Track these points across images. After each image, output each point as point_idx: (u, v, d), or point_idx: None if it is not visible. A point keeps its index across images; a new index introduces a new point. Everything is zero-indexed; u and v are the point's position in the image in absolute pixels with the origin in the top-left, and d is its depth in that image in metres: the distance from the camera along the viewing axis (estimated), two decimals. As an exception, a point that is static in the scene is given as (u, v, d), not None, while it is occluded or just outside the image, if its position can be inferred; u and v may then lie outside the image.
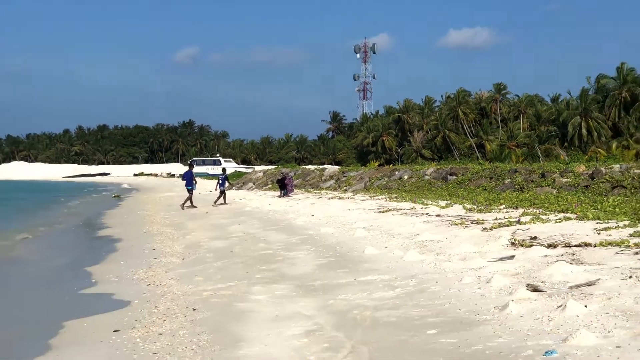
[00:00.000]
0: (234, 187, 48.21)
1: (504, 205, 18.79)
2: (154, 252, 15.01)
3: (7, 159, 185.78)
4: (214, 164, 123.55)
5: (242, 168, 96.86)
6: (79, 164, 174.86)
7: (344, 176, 42.07)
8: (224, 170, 34.05)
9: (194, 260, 13.51)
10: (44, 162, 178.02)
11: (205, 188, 58.61)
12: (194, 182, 30.41)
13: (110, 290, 10.87)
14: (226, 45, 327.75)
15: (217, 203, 30.38)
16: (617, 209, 15.36)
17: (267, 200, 31.17)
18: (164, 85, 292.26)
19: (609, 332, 6.23)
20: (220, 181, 31.28)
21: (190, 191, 29.82)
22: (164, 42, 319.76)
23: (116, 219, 26.80)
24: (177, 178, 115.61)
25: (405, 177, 35.24)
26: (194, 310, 8.82)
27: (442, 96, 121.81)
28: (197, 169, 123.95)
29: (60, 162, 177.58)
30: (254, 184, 51.02)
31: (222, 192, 30.96)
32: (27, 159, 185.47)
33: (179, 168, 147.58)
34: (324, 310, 8.27)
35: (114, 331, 8.03)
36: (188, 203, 29.50)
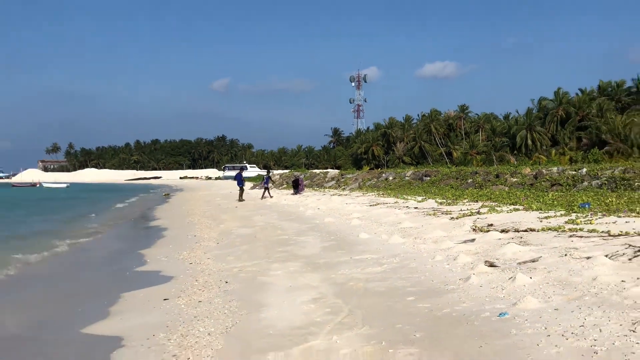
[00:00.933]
0: (256, 187, 48.27)
1: (467, 200, 18.76)
2: (195, 238, 15.01)
3: (81, 166, 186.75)
4: (241, 169, 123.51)
5: (263, 172, 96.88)
6: (137, 169, 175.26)
7: (342, 178, 42.07)
8: (268, 171, 35.79)
9: (226, 244, 13.50)
10: (110, 168, 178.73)
11: (235, 188, 58.78)
12: (243, 182, 32.33)
13: (160, 267, 10.88)
14: (251, 77, 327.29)
15: (263, 197, 31.04)
16: (555, 202, 15.31)
17: (283, 197, 31.15)
18: (204, 107, 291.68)
19: (549, 297, 6.21)
20: (265, 180, 32.76)
21: (241, 188, 31.51)
22: (205, 73, 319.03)
23: (165, 212, 26.82)
24: (214, 180, 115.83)
25: (390, 178, 35.19)
26: (226, 283, 8.81)
27: (418, 115, 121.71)
28: (228, 173, 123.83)
29: (122, 169, 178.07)
30: (272, 184, 51.01)
31: (266, 189, 31.95)
32: (97, 166, 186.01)
33: (215, 172, 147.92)
34: (327, 282, 8.26)
35: (164, 299, 8.03)
36: (239, 196, 30.84)
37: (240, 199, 30.13)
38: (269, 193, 31.69)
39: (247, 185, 64.43)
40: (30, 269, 11.58)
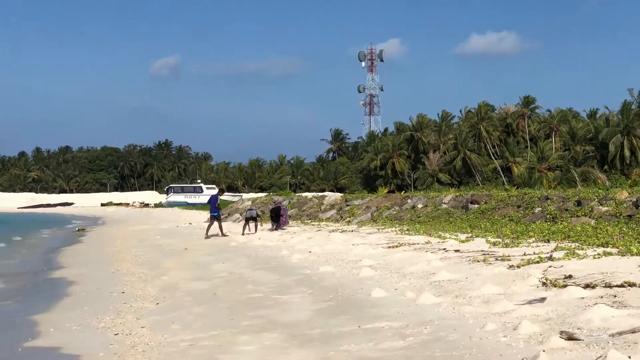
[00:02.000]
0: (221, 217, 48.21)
1: (533, 239, 18.76)
2: (123, 296, 14.92)
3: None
4: (194, 192, 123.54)
5: (227, 196, 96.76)
6: (36, 192, 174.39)
7: (347, 205, 42.10)
8: (221, 191, 35.98)
9: (170, 305, 13.44)
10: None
11: (184, 219, 58.69)
12: (219, 209, 32.67)
13: (66, 341, 10.77)
14: (210, 55, 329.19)
15: (209, 233, 31.26)
16: (666, 243, 15.32)
17: (256, 234, 31.13)
18: (137, 100, 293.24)
19: (657, 388, 6.19)
20: (212, 204, 32.41)
21: (215, 218, 31.70)
22: (138, 51, 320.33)
23: (79, 257, 26.70)
24: (152, 208, 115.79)
25: (419, 205, 35.26)
26: (170, 364, 8.76)
27: (461, 111, 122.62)
28: (174, 198, 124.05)
29: (14, 191, 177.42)
30: (241, 214, 50.94)
31: (215, 219, 31.94)
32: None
33: (154, 196, 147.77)
34: (323, 363, 8.22)
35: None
36: (214, 230, 31.43)
37: (207, 236, 30.76)
38: (220, 229, 31.68)
39: (203, 215, 64.39)
40: None
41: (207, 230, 31.49)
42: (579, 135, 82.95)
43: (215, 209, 31.84)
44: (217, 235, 30.92)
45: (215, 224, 31.36)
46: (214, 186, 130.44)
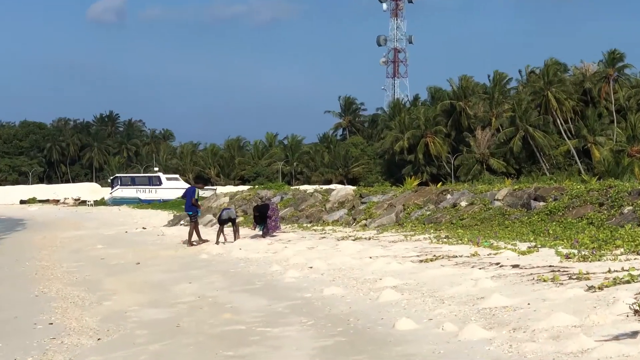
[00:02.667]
0: (181, 222, 48.39)
1: (621, 250, 18.72)
2: (52, 329, 14.93)
3: None
4: (150, 184, 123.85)
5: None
6: None
7: (362, 203, 42.10)
8: (204, 184, 36.00)
9: (116, 340, 13.45)
10: None
11: (136, 222, 58.74)
12: (198, 206, 33.28)
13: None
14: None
15: (190, 241, 31.95)
16: None
17: (235, 243, 31.14)
18: (70, 57, 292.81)
19: None
20: (188, 200, 33.18)
21: (192, 218, 32.39)
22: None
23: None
24: (91, 206, 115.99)
25: (463, 203, 35.24)
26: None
27: (520, 72, 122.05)
28: (122, 192, 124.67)
29: None
30: (214, 215, 51.02)
31: (194, 224, 32.51)
32: None
33: (95, 190, 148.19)
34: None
35: None
36: (194, 237, 31.75)
37: (190, 242, 31.48)
38: (197, 233, 32.17)
39: (163, 216, 64.42)
40: None
41: (190, 235, 31.91)
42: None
43: (191, 206, 32.36)
44: (193, 242, 31.33)
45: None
46: (176, 176, 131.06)
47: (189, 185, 34.93)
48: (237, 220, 33.56)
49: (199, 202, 33.40)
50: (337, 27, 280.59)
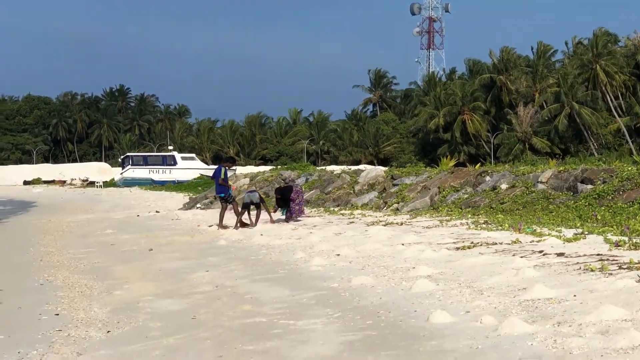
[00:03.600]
0: (197, 205, 48.57)
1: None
2: (58, 320, 14.98)
3: None
4: (164, 164, 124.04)
5: (211, 170, 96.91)
6: None
7: (394, 185, 42.08)
8: (229, 160, 36.63)
9: (127, 333, 13.48)
10: None
11: (148, 205, 58.90)
12: (230, 187, 33.78)
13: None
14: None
15: (221, 224, 32.65)
16: None
17: (257, 227, 31.19)
18: (77, 28, 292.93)
19: None
20: (217, 180, 33.68)
21: (225, 200, 33.16)
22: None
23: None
24: (99, 188, 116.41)
25: (503, 186, 35.20)
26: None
27: (567, 43, 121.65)
28: (133, 172, 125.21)
29: None
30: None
31: (228, 204, 33.35)
32: None
33: (105, 170, 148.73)
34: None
35: None
36: (227, 220, 32.72)
37: (221, 225, 32.23)
38: (235, 214, 32.69)
39: (178, 199, 64.55)
40: None
41: (221, 218, 32.59)
42: None
43: (220, 187, 32.96)
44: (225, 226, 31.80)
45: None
46: (192, 155, 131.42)
47: (219, 166, 34.76)
48: (260, 204, 33.50)
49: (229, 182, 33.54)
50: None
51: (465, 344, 10.98)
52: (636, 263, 15.21)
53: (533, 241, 20.18)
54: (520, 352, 10.20)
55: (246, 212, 32.57)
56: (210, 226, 32.81)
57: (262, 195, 35.50)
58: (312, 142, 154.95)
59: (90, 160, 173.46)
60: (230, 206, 32.39)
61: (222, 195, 32.79)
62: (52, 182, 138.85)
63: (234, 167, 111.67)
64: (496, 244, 20.25)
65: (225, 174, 32.81)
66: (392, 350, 11.06)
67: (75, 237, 33.87)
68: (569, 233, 20.96)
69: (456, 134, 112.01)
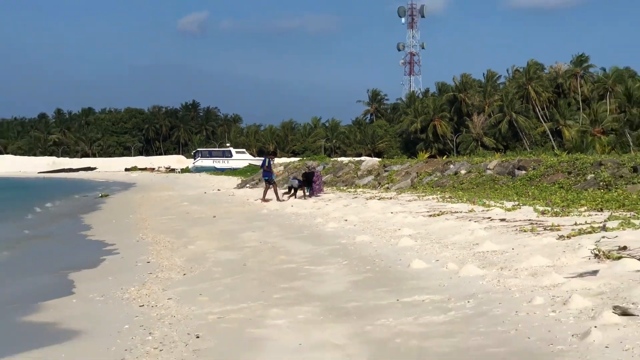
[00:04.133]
0: (247, 185, 48.52)
1: (585, 207, 18.59)
2: (149, 266, 15.10)
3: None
4: (223, 156, 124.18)
5: (257, 161, 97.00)
6: (58, 156, 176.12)
7: (385, 171, 41.99)
8: (269, 154, 36.58)
9: (197, 275, 13.56)
10: (15, 154, 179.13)
11: (212, 185, 59.02)
12: (272, 172, 33.79)
13: (89, 314, 10.93)
14: (241, 11, 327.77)
15: (265, 199, 32.51)
16: None
17: (288, 201, 31.22)
18: (163, 59, 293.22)
19: None
20: (264, 169, 33.70)
21: (268, 182, 32.82)
22: (165, 5, 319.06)
23: (102, 224, 27.04)
24: (178, 173, 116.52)
25: (462, 171, 35.08)
26: (197, 337, 8.84)
27: (508, 70, 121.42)
28: (202, 162, 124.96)
29: (35, 154, 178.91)
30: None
31: (270, 185, 32.85)
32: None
33: (181, 161, 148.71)
34: (359, 338, 8.25)
35: (99, 363, 8.09)
36: (271, 195, 32.51)
37: (264, 199, 32.12)
38: (275, 193, 32.52)
39: (233, 181, 64.60)
40: None
41: (274, 193, 32.52)
42: (636, 97, 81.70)
43: (266, 172, 32.76)
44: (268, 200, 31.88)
45: (270, 188, 32.18)
46: (244, 150, 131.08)
47: (262, 157, 35.44)
48: (298, 189, 33.61)
49: (272, 169, 33.65)
50: (367, 36, 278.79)
51: (435, 282, 11.00)
52: (556, 226, 15.18)
53: (483, 210, 20.13)
54: (474, 288, 10.21)
55: (276, 189, 32.92)
56: (256, 200, 32.89)
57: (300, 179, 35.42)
58: (327, 140, 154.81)
59: (171, 154, 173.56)
60: (271, 186, 32.36)
61: (267, 178, 32.52)
62: (145, 169, 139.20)
63: (274, 158, 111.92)
64: (457, 212, 20.20)
65: (269, 163, 32.78)
66: (385, 287, 11.07)
67: (160, 208, 34.00)
68: (509, 205, 20.89)
69: (429, 135, 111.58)
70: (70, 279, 14.15)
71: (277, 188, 33.39)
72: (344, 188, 39.72)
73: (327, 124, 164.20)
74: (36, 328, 10.29)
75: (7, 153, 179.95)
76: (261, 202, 31.46)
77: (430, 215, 20.05)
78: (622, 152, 44.88)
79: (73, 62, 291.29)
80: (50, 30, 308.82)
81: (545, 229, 14.95)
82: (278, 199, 31.95)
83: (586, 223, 15.05)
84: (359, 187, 38.87)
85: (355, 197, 30.94)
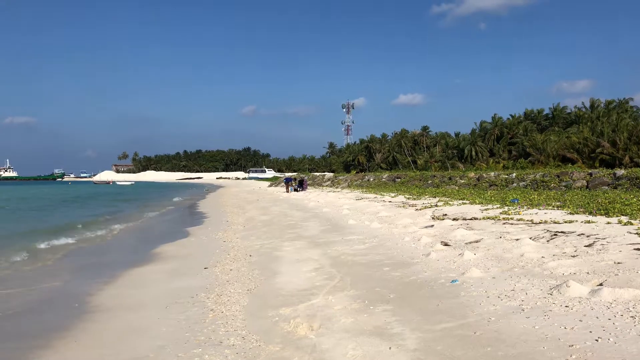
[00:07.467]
0: (273, 186, 48.16)
1: (428, 196, 18.69)
2: (227, 223, 14.96)
3: (144, 169, 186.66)
4: (261, 172, 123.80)
5: (279, 174, 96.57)
6: (184, 172, 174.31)
7: (336, 179, 41.92)
8: (302, 180, 36.62)
9: (250, 227, 13.44)
10: (165, 171, 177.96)
11: (256, 186, 58.66)
12: (290, 185, 33.88)
13: (201, 243, 10.81)
14: (271, 104, 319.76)
15: (288, 191, 32.24)
16: (492, 198, 15.28)
17: (292, 194, 31.02)
18: (235, 126, 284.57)
19: (488, 269, 6.18)
20: (295, 185, 34.03)
21: (286, 184, 33.30)
22: (237, 101, 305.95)
23: (206, 203, 26.73)
24: (241, 180, 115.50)
25: (371, 179, 35.10)
26: (250, 256, 8.76)
27: (392, 132, 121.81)
28: (251, 175, 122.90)
29: (174, 171, 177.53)
30: (284, 183, 50.91)
31: (296, 190, 32.78)
32: (155, 169, 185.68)
33: (242, 174, 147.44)
34: (325, 256, 8.22)
35: (204, 268, 8.00)
36: (286, 190, 32.69)
37: (287, 191, 32.13)
38: (287, 190, 32.35)
39: (265, 184, 64.23)
40: (130, 227, 11.56)
41: (287, 190, 32.52)
42: (450, 145, 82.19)
43: (287, 180, 33.55)
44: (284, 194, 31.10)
45: (270, 188, 31.92)
46: (270, 169, 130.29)
47: (287, 177, 35.56)
48: (290, 182, 33.51)
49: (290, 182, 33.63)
50: (329, 116, 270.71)
51: (359, 230, 10.88)
52: (414, 205, 15.15)
53: (381, 197, 20.05)
54: (377, 233, 10.08)
55: (287, 187, 32.59)
56: (278, 192, 32.47)
57: (294, 179, 35.17)
58: (310, 164, 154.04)
59: (238, 171, 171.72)
60: (289, 187, 32.05)
61: (286, 181, 32.44)
62: (225, 178, 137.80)
63: (283, 173, 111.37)
64: (369, 198, 20.08)
65: (289, 179, 32.92)
66: (336, 232, 10.95)
67: (232, 196, 33.67)
68: (392, 195, 20.73)
69: (356, 163, 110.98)
70: (188, 230, 13.95)
71: (289, 187, 33.18)
72: (317, 187, 39.61)
73: (309, 157, 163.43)
74: (172, 249, 10.17)
75: (162, 170, 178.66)
76: (282, 194, 31.22)
77: (357, 200, 20.01)
78: (444, 171, 44.99)
79: (192, 126, 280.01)
80: (180, 110, 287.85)
81: (409, 206, 14.97)
82: (288, 192, 31.62)
83: (428, 203, 15.11)
84: (324, 187, 38.74)
85: (322, 191, 30.86)
